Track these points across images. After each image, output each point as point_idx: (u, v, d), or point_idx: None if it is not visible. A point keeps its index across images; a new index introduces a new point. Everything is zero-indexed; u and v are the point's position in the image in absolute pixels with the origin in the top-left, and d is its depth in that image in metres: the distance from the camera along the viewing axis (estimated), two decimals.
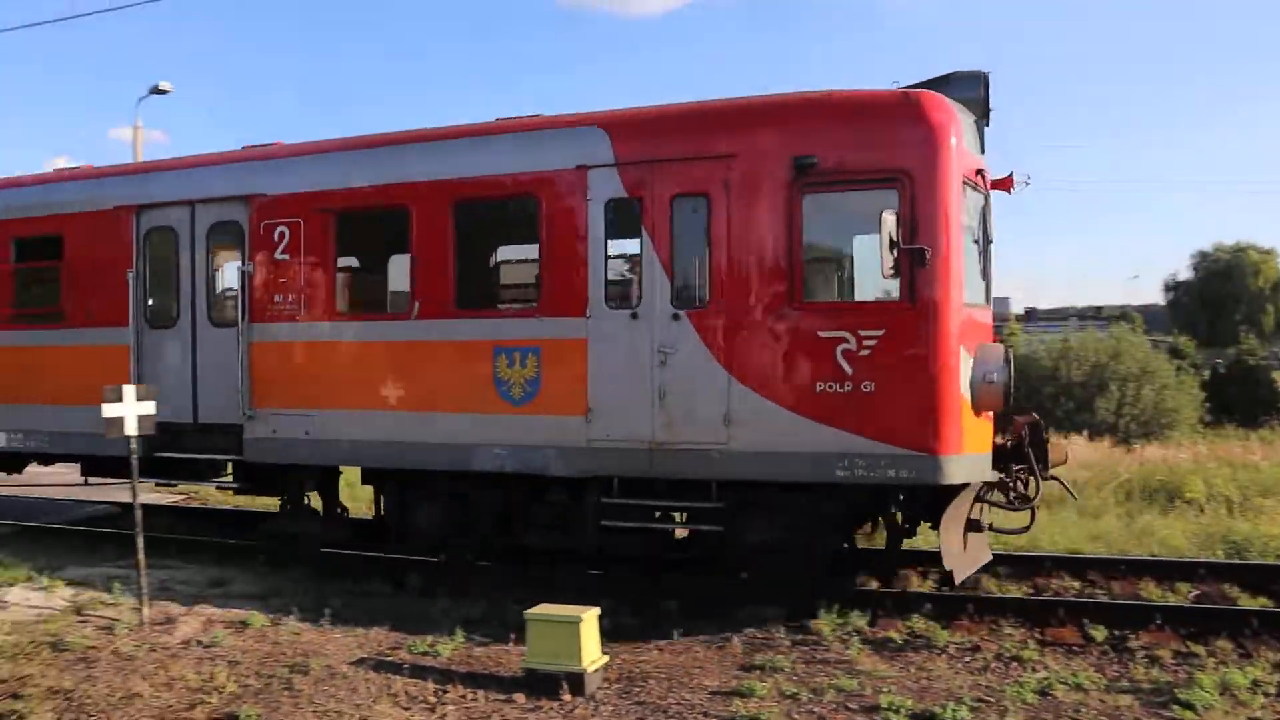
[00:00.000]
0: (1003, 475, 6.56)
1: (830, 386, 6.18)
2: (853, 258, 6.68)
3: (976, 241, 6.44)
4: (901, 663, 6.13)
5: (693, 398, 6.55)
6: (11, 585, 7.74)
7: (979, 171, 6.41)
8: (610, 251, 6.86)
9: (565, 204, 6.89)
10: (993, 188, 6.76)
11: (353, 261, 8.15)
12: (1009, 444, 6.64)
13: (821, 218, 6.31)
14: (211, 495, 12.15)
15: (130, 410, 6.84)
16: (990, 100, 6.57)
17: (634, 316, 6.75)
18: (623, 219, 6.81)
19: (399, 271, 7.66)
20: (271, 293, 7.92)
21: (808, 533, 6.54)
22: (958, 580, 6.63)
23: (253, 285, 7.93)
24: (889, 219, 5.87)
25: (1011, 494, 6.67)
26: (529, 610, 5.97)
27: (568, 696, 5.61)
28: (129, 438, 6.74)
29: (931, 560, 7.43)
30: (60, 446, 8.67)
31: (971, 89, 6.58)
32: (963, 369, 6.05)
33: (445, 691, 5.75)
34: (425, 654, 6.39)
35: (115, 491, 10.49)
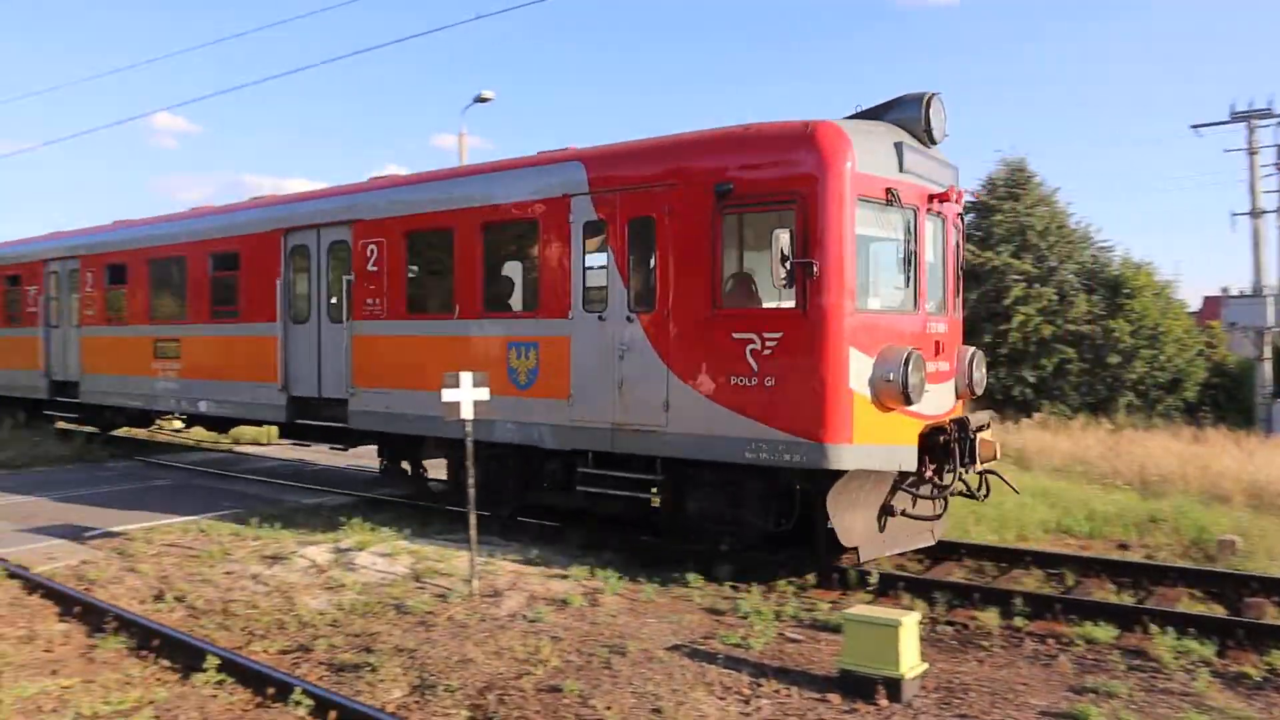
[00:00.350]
0: (933, 467, 7.31)
1: (741, 381, 7.27)
2: (757, 270, 7.71)
3: (910, 253, 7.23)
4: (1262, 703, 5.67)
5: (642, 387, 7.87)
6: (361, 550, 8.53)
7: (889, 190, 7.11)
8: (586, 264, 8.32)
9: (556, 225, 8.48)
10: (936, 200, 7.52)
11: (416, 271, 9.93)
12: (940, 440, 7.29)
13: (736, 235, 7.57)
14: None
15: (466, 395, 7.38)
16: (933, 121, 7.53)
17: (601, 319, 8.19)
18: (595, 237, 8.24)
19: (447, 280, 9.41)
20: (364, 297, 10.19)
21: (740, 507, 7.61)
22: (863, 558, 7.52)
23: (353, 291, 10.23)
24: (783, 236, 6.83)
25: (931, 485, 7.37)
26: (846, 611, 5.93)
27: (884, 702, 5.50)
28: (463, 421, 7.36)
29: None
30: (242, 412, 11.98)
31: (913, 110, 7.53)
32: (855, 369, 6.88)
33: (759, 685, 5.78)
34: (737, 645, 6.44)
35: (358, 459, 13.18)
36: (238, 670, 5.84)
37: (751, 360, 7.32)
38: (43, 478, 13.63)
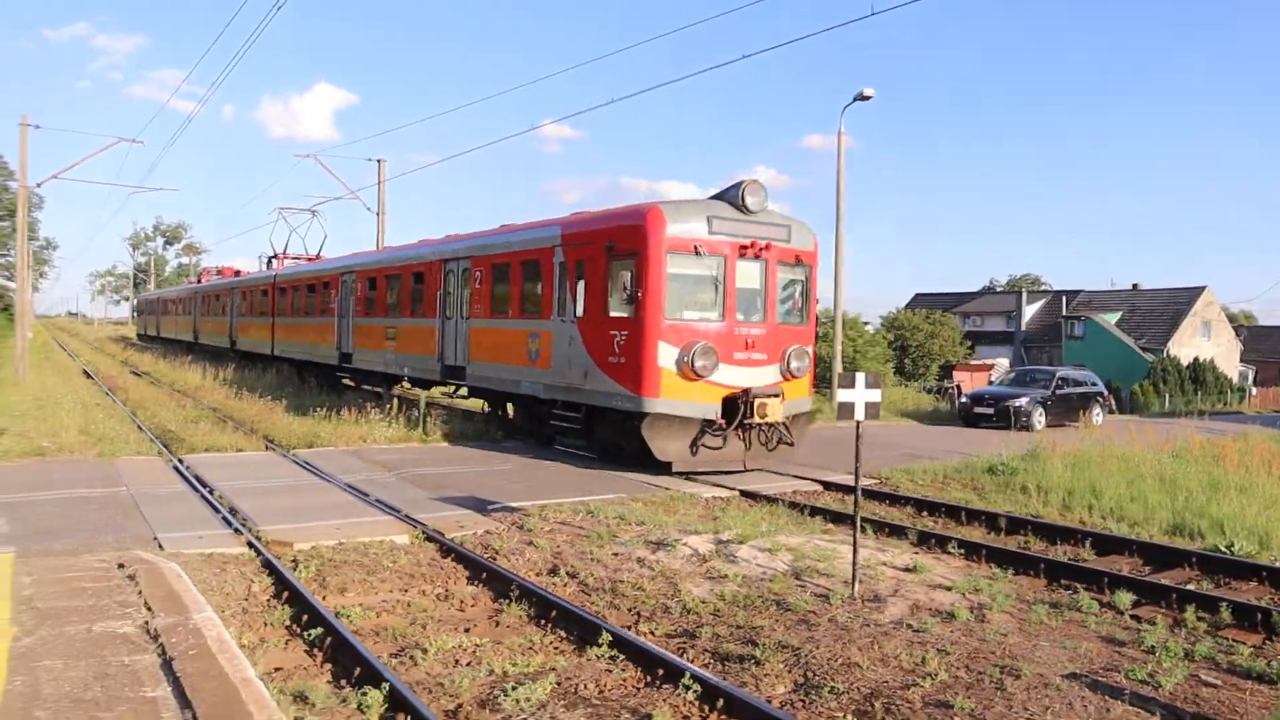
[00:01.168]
0: (724, 419, 13.35)
1: (612, 359, 13.32)
2: (621, 293, 13.39)
3: (716, 283, 13.41)
4: None
5: (576, 363, 14.08)
6: (741, 543, 8.85)
7: (696, 245, 13.32)
8: (556, 287, 14.61)
9: (546, 263, 14.95)
10: (750, 249, 13.76)
11: (493, 288, 16.71)
12: (736, 403, 13.30)
13: (616, 274, 13.48)
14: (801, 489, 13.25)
15: (860, 397, 7.70)
16: (747, 199, 13.70)
17: (563, 320, 14.50)
18: (563, 272, 14.55)
19: (506, 294, 16.39)
20: (473, 303, 17.46)
21: (618, 435, 13.60)
22: (675, 469, 13.22)
23: (470, 300, 17.55)
24: (625, 275, 13.15)
25: (725, 431, 13.23)
26: None
27: None
28: (857, 421, 7.90)
29: None
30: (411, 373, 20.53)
31: (733, 193, 13.79)
32: (664, 354, 12.91)
33: None
34: (1143, 683, 6.02)
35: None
36: (629, 648, 6.12)
37: (616, 347, 13.44)
38: (449, 455, 15.87)
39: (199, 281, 52.76)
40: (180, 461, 14.42)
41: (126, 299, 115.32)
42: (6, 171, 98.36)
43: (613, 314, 13.93)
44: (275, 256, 38.15)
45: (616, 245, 13.87)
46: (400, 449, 16.51)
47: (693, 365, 13.34)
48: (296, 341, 28.52)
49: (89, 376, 34.10)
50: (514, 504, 11.28)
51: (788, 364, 14.25)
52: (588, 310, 14.42)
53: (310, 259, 35.46)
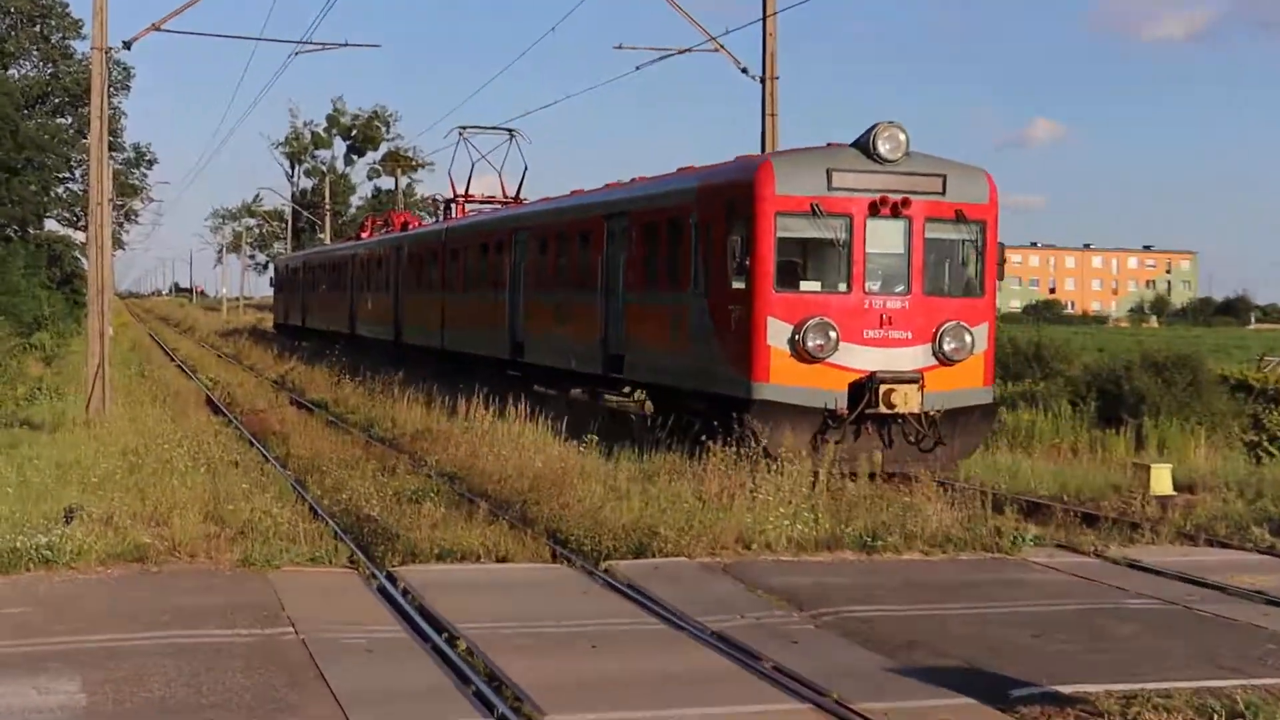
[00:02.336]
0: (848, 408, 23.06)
1: (728, 338, 23.87)
2: (732, 261, 24.17)
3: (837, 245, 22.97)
4: None
5: (706, 344, 25.03)
6: None
7: (814, 204, 22.23)
8: (694, 255, 25.68)
9: (686, 224, 25.81)
10: (885, 205, 22.55)
11: (645, 254, 28.01)
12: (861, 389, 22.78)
13: (729, 238, 23.99)
14: None
15: None
16: (879, 145, 22.51)
17: (695, 293, 25.38)
18: (697, 235, 25.52)
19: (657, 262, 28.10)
20: (626, 272, 29.02)
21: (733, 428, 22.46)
22: (786, 460, 20.70)
23: (625, 267, 28.98)
24: (735, 240, 23.41)
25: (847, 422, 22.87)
26: None
27: None
28: None
29: None
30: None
31: (864, 138, 22.84)
32: (775, 330, 22.30)
33: None
34: None
35: None
36: None
37: (732, 324, 23.38)
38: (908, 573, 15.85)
39: (358, 238, 65.29)
40: (390, 579, 15.59)
41: (276, 259, 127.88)
42: (67, 21, 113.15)
43: (733, 285, 22.99)
44: (453, 200, 49.85)
45: (730, 205, 22.74)
46: (820, 563, 17.50)
47: (805, 344, 21.79)
48: (464, 328, 39.78)
49: (216, 407, 36.48)
50: (1066, 688, 11.42)
51: (939, 344, 22.61)
52: (712, 281, 23.48)
53: (505, 202, 46.75)
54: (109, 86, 36.02)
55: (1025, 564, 17.81)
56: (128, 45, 33.10)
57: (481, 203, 48.37)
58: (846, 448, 21.61)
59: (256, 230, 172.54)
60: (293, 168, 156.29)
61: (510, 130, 47.63)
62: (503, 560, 16.78)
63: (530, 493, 20.85)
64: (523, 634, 12.91)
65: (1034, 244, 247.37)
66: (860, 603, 14.77)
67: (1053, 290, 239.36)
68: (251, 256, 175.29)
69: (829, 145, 23.70)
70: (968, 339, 22.96)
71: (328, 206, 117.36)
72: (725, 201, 23.86)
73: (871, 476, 21.59)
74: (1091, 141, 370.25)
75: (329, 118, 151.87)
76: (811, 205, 22.15)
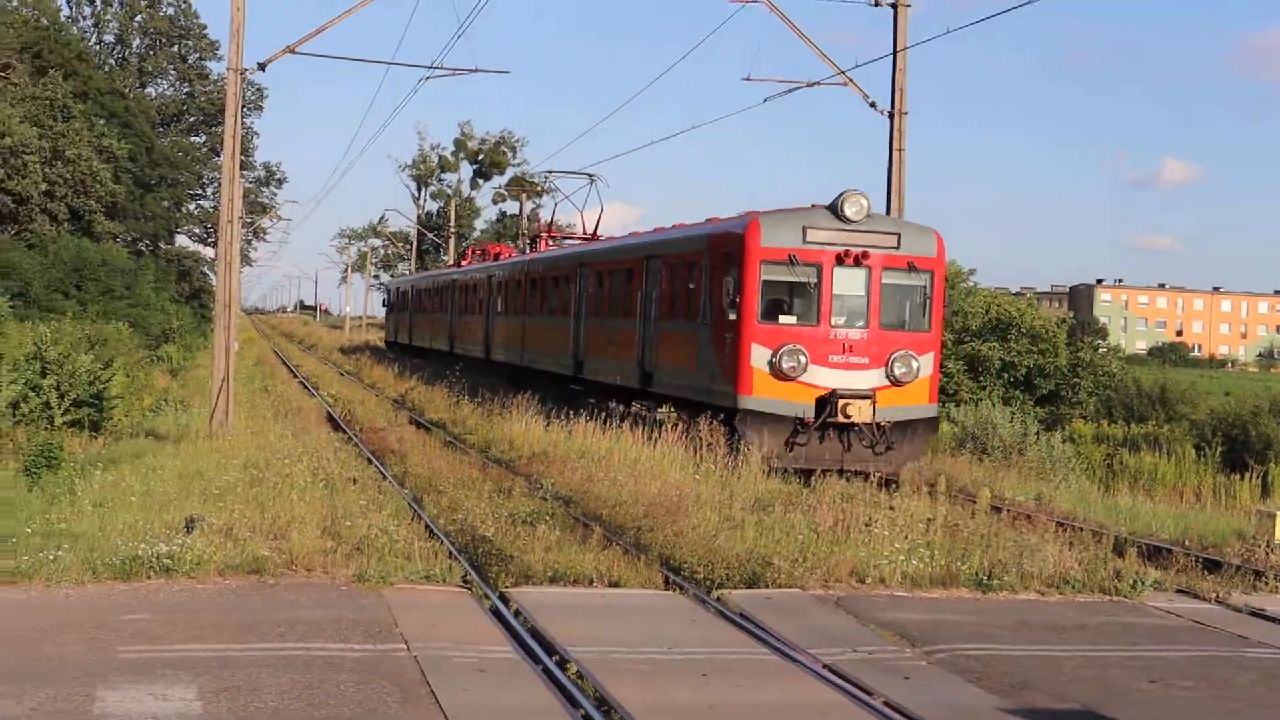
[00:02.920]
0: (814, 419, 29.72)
1: (724, 359, 30.18)
2: (728, 298, 30.77)
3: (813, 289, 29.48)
4: None
5: (709, 364, 31.52)
6: None
7: (791, 255, 28.88)
8: (705, 291, 32.38)
9: (699, 266, 32.43)
10: (849, 257, 29.09)
11: (673, 289, 34.54)
12: (824, 403, 29.21)
13: (726, 279, 30.75)
14: None
15: None
16: (845, 209, 28.75)
17: (703, 323, 31.82)
18: (706, 275, 32.07)
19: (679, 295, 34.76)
20: (659, 303, 35.95)
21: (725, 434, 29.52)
22: (770, 465, 27.35)
23: (657, 299, 35.82)
24: (729, 281, 29.96)
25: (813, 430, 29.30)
26: None
27: None
28: None
29: None
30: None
31: (833, 202, 29.29)
32: (758, 354, 28.51)
33: None
34: None
35: None
36: None
37: (726, 347, 29.92)
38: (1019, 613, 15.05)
39: (458, 265, 75.38)
40: (503, 600, 15.67)
41: (388, 281, 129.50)
42: (204, 43, 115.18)
43: (728, 317, 28.91)
44: (539, 236, 58.52)
45: (727, 253, 29.19)
46: (935, 599, 17.39)
47: (780, 365, 27.55)
48: (539, 348, 46.50)
49: (336, 424, 36.85)
50: None
51: (891, 369, 28.18)
52: (714, 313, 29.60)
53: (584, 238, 52.95)
54: (242, 106, 36.53)
55: (1144, 608, 17.51)
56: (262, 67, 33.75)
57: (563, 238, 56.06)
58: (814, 449, 28.25)
59: (381, 251, 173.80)
60: (419, 190, 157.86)
61: (591, 175, 53.33)
62: (615, 585, 16.76)
63: (645, 519, 20.84)
64: (633, 659, 12.90)
65: (1162, 285, 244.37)
66: (974, 641, 14.64)
67: (1179, 333, 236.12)
68: (375, 276, 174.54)
69: (812, 206, 29.71)
70: (915, 365, 29.15)
71: (452, 229, 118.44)
72: (724, 250, 30.26)
73: (998, 510, 22.90)
74: (1224, 183, 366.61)
75: (456, 141, 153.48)
76: (789, 255, 28.68)
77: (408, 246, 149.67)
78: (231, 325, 33.88)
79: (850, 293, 29.20)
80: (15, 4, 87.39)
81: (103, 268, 66.69)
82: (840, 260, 28.86)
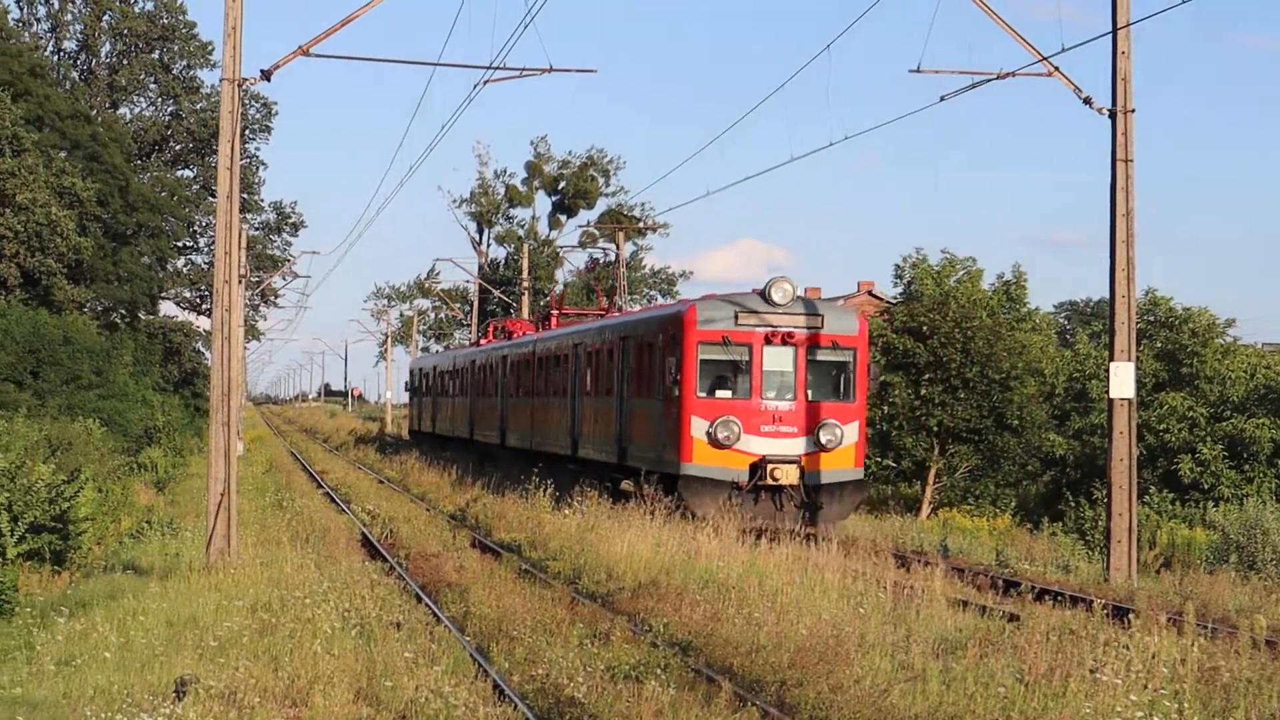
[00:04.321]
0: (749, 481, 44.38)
1: (670, 430, 44.87)
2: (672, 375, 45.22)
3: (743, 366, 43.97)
4: None
5: (661, 435, 46.67)
6: None
7: (725, 336, 42.86)
8: (658, 369, 47.18)
9: (654, 346, 47.56)
10: (777, 337, 43.22)
11: (640, 367, 49.24)
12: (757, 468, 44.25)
13: (669, 358, 45.57)
14: None
15: None
16: (772, 294, 42.92)
17: (656, 399, 47.20)
18: (659, 354, 47.17)
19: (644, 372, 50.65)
20: (634, 381, 51.95)
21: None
22: (710, 523, 38.23)
23: (630, 378, 51.56)
24: (671, 360, 44.19)
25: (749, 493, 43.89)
26: None
27: None
28: None
29: None
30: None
31: (763, 289, 44.14)
32: (696, 425, 42.59)
33: None
34: None
35: None
36: None
37: (671, 420, 44.35)
38: None
39: (477, 344, 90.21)
40: None
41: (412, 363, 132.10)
42: (193, 46, 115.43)
43: (673, 393, 41.28)
44: (550, 314, 73.53)
45: (672, 336, 41.95)
46: None
47: (717, 435, 40.09)
48: (545, 429, 60.00)
49: (374, 549, 37.05)
50: None
51: (817, 436, 40.40)
52: (664, 389, 41.96)
53: (600, 312, 69.52)
54: (243, 128, 36.72)
55: None
56: (267, 75, 33.48)
57: (578, 314, 71.16)
58: (748, 510, 39.64)
59: (431, 315, 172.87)
60: (480, 232, 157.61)
61: (604, 249, 68.63)
62: None
63: (791, 669, 20.64)
64: None
65: None
66: None
67: None
68: (425, 348, 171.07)
69: (752, 291, 42.88)
70: (839, 433, 41.33)
71: (526, 283, 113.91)
72: (670, 333, 43.04)
73: (1270, 644, 22.53)
74: None
75: (529, 166, 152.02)
76: (723, 337, 41.34)
77: (467, 308, 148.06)
78: (233, 420, 34.10)
79: (779, 369, 41.88)
80: None
81: (65, 347, 67.34)
82: (769, 340, 41.66)
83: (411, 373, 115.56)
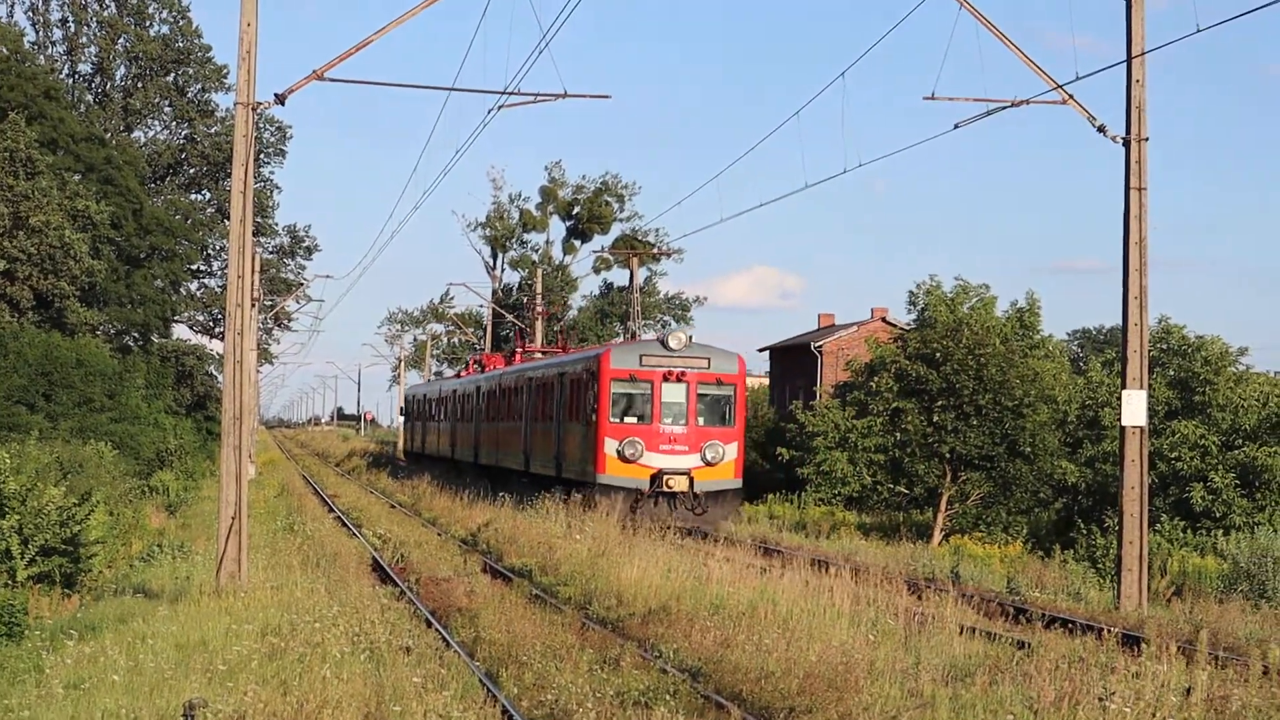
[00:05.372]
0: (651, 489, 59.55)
1: (589, 448, 60.22)
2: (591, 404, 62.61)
3: (645, 399, 58.48)
4: None
5: (585, 452, 62.61)
6: None
7: (631, 374, 58.05)
8: (585, 399, 64.02)
9: (583, 381, 63.69)
10: (672, 375, 57.72)
11: (570, 399, 66.15)
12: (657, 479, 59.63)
13: (590, 392, 63.05)
14: None
15: None
16: (669, 341, 58.06)
17: (577, 422, 64.90)
18: (586, 388, 64.90)
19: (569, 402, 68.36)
20: (567, 407, 69.89)
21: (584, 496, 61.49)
22: (622, 525, 49.34)
23: (563, 404, 69.84)
24: (590, 394, 60.20)
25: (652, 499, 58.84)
26: None
27: None
28: None
29: None
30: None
31: (663, 337, 62.18)
32: (609, 445, 56.75)
33: None
34: None
35: None
36: None
37: (589, 440, 59.37)
38: None
39: (459, 376, 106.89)
40: None
41: (408, 389, 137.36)
42: (207, 70, 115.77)
43: (592, 418, 56.08)
44: (515, 351, 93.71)
45: (591, 373, 57.02)
46: None
47: (624, 453, 53.92)
48: (507, 449, 74.50)
49: (385, 574, 37.19)
50: None
51: (704, 454, 54.30)
52: (587, 416, 56.69)
53: (559, 349, 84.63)
54: (258, 152, 36.76)
55: None
56: (281, 99, 33.79)
57: (541, 351, 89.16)
58: (648, 511, 51.61)
59: (445, 339, 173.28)
60: (495, 256, 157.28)
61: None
62: None
63: (800, 696, 20.64)
64: None
65: None
66: None
67: None
68: (438, 373, 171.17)
69: (655, 339, 59.93)
70: (721, 451, 53.62)
71: (539, 308, 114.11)
72: (591, 370, 55.84)
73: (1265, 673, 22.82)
74: None
75: (543, 191, 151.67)
76: (630, 374, 54.12)
77: (480, 333, 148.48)
78: (244, 444, 34.06)
79: (674, 400, 54.38)
80: None
81: (78, 370, 67.57)
82: (666, 378, 54.23)
83: (406, 399, 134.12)
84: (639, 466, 54.13)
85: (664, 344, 56.45)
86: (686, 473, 54.05)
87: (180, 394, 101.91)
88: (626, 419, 55.38)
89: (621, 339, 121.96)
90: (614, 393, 55.51)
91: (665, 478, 53.55)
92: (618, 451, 53.88)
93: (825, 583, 29.24)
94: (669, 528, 48.07)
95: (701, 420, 55.59)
